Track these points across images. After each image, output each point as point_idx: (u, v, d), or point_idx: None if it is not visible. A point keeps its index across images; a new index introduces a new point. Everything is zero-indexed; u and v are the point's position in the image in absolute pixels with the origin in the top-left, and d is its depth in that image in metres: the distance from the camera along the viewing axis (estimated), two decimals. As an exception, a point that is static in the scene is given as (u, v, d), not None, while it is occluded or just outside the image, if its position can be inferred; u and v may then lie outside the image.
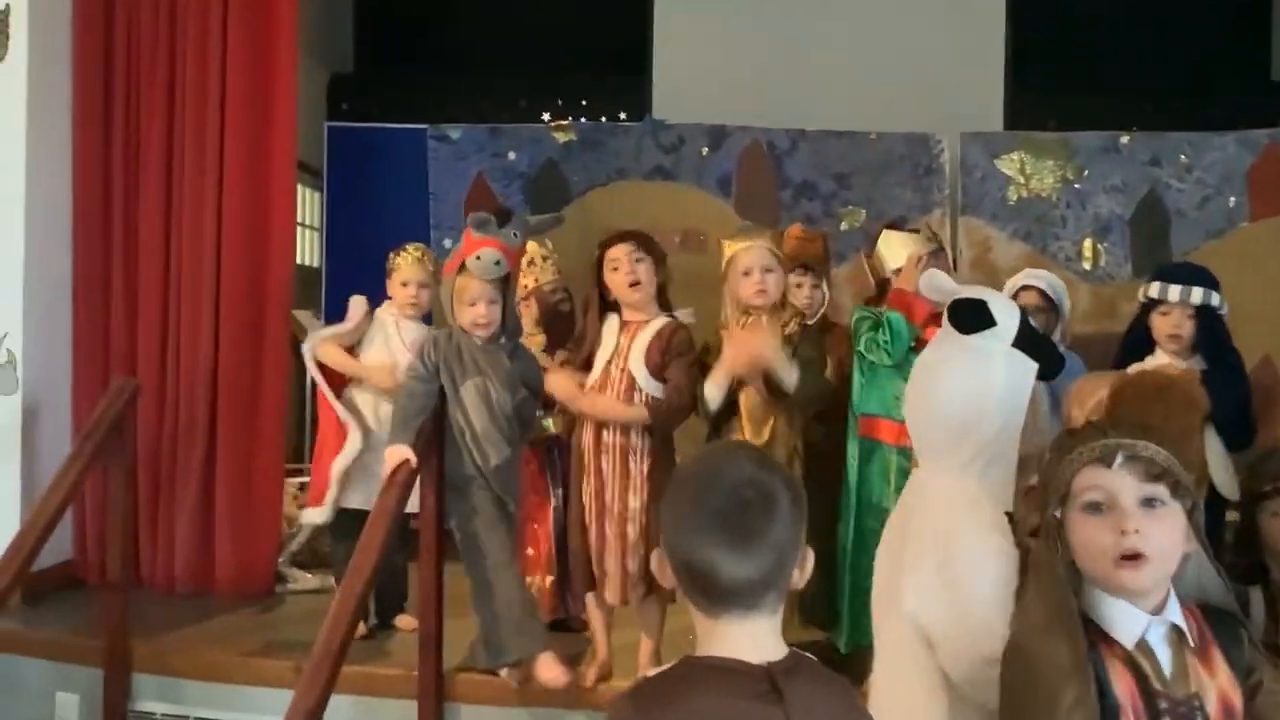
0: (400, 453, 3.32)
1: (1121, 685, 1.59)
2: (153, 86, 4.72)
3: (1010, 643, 1.72)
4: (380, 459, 3.49)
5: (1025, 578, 1.78)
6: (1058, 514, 1.67)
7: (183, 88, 4.69)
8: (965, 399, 2.03)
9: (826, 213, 5.91)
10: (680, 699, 1.45)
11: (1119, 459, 1.60)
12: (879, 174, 5.88)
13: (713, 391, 3.40)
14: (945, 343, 2.12)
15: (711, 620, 1.48)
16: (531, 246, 4.16)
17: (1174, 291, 3.47)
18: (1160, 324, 3.50)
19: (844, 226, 5.88)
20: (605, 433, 3.49)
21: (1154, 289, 3.51)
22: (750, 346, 3.36)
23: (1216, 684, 1.62)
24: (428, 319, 4.27)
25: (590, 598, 3.57)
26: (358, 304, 4.23)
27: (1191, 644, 1.62)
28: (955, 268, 5.73)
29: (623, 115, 7.09)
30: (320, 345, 4.13)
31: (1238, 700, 1.62)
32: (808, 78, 6.75)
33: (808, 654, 1.54)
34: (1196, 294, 3.48)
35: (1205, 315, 3.48)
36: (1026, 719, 1.63)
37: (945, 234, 5.79)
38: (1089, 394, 2.75)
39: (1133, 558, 1.59)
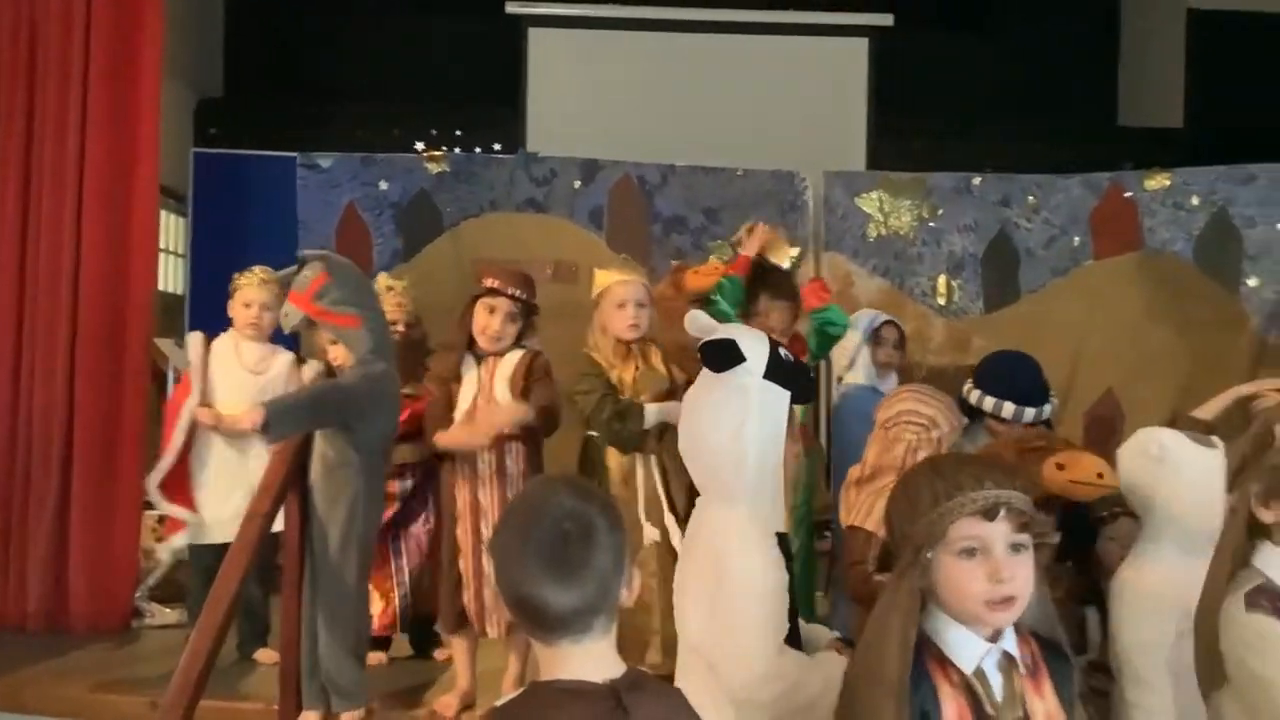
0: (255, 415, 3.22)
1: (952, 707, 1.67)
2: (11, 107, 4.60)
3: (857, 653, 1.81)
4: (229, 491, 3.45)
5: (874, 605, 1.84)
6: (929, 555, 1.71)
7: (42, 109, 4.59)
8: (725, 433, 2.13)
9: (696, 246, 6.02)
10: None
11: (1000, 513, 1.68)
12: (746, 209, 5.99)
13: (653, 416, 3.47)
14: (705, 381, 2.22)
15: (550, 647, 1.54)
16: (380, 280, 4.20)
17: (1028, 413, 3.51)
18: (999, 431, 3.52)
19: (713, 260, 6.01)
20: (480, 465, 3.52)
21: (1007, 409, 3.50)
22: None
23: (1045, 708, 1.72)
24: (290, 344, 4.23)
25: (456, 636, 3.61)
26: (195, 341, 4.20)
27: (1023, 671, 1.72)
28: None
29: (496, 147, 7.15)
30: (198, 416, 4.11)
31: (1056, 709, 1.72)
32: (678, 115, 6.93)
33: (644, 669, 1.62)
34: (1046, 410, 3.57)
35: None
36: None
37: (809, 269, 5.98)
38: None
39: (1005, 601, 1.68)
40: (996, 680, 1.70)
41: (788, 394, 2.21)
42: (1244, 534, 1.73)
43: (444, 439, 3.52)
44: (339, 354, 3.56)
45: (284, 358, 4.27)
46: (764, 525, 2.13)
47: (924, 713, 1.66)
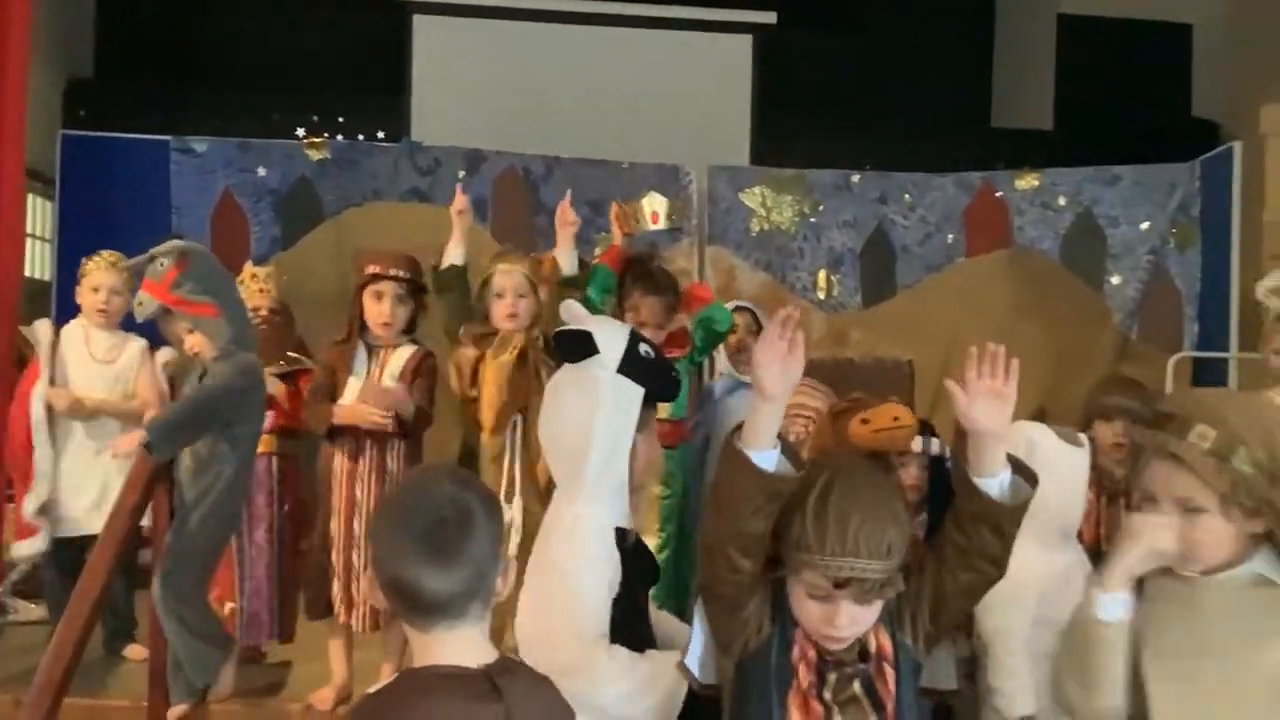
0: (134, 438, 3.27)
1: (799, 655, 1.81)
2: None
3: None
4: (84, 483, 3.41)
5: None
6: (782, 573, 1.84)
7: (-102, 87, 4.38)
8: (575, 424, 2.15)
9: (580, 238, 6.00)
10: (408, 708, 1.51)
11: (850, 586, 1.76)
12: (635, 202, 6.05)
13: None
14: (563, 371, 2.25)
15: (424, 634, 1.56)
16: (246, 269, 4.15)
17: (917, 442, 3.57)
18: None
19: (598, 252, 6.01)
20: (361, 461, 3.50)
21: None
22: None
23: (875, 637, 1.85)
24: (148, 331, 4.14)
25: (329, 624, 3.57)
26: (43, 328, 4.09)
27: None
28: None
29: (380, 135, 7.05)
30: (52, 399, 4.01)
31: (888, 643, 1.84)
32: (564, 106, 6.92)
33: (516, 658, 1.64)
34: (934, 444, 3.62)
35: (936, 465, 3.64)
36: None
37: (693, 264, 6.05)
38: None
39: (837, 639, 1.81)
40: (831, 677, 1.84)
41: (641, 389, 2.22)
42: None
43: (340, 413, 3.49)
44: (196, 343, 3.50)
45: (135, 345, 4.20)
46: (601, 519, 2.14)
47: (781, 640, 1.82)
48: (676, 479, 3.84)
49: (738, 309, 4.41)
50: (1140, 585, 1.79)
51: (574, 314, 2.32)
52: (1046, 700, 2.03)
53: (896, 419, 2.94)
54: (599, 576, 2.11)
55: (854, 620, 1.78)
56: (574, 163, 6.09)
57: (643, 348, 2.28)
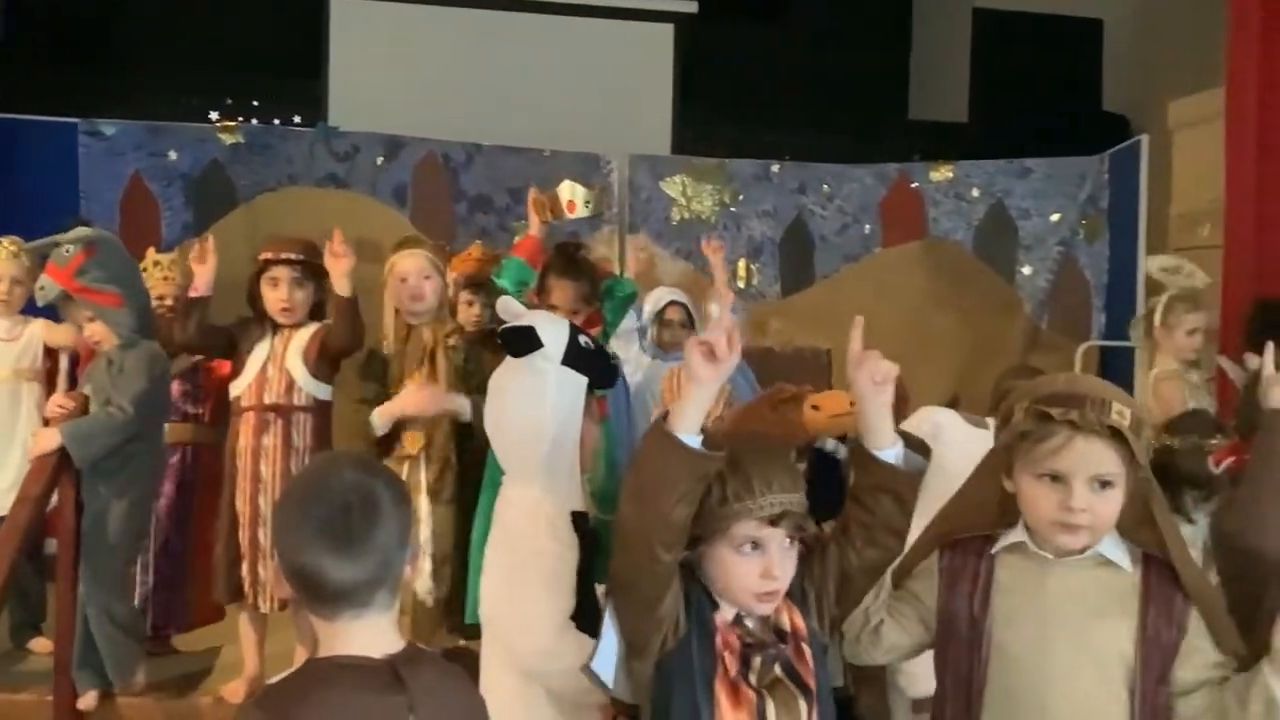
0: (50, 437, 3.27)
1: (722, 643, 1.82)
2: None
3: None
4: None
5: None
6: (703, 547, 1.84)
7: None
8: (523, 417, 2.20)
9: (501, 227, 6.01)
10: (309, 699, 1.49)
11: (784, 521, 1.81)
12: (552, 190, 6.03)
13: (379, 422, 3.41)
14: (507, 365, 2.28)
15: (329, 622, 1.55)
16: (149, 256, 4.10)
17: None
18: None
19: (518, 240, 5.99)
20: (266, 437, 3.47)
21: None
22: (425, 403, 3.40)
23: (789, 617, 1.88)
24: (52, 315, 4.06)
25: (241, 615, 3.52)
26: None
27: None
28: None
29: (296, 119, 6.94)
30: None
31: (801, 623, 1.88)
32: (485, 93, 6.88)
33: (423, 646, 1.63)
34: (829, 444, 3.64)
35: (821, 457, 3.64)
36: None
37: (614, 251, 6.05)
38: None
39: (773, 594, 1.83)
40: (756, 621, 1.86)
41: (585, 379, 2.26)
42: (994, 496, 1.86)
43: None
44: (97, 331, 3.45)
45: (36, 324, 4.13)
46: (558, 505, 2.18)
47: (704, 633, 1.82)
48: (599, 460, 3.83)
49: (672, 304, 4.44)
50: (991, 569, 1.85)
51: (511, 310, 2.35)
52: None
53: (853, 404, 2.97)
54: (567, 560, 2.14)
55: (785, 569, 1.82)
56: (494, 150, 6.06)
57: (582, 339, 2.33)
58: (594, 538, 2.26)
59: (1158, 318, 4.08)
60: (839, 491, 3.29)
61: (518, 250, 3.61)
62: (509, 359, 2.30)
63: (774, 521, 1.80)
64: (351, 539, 1.50)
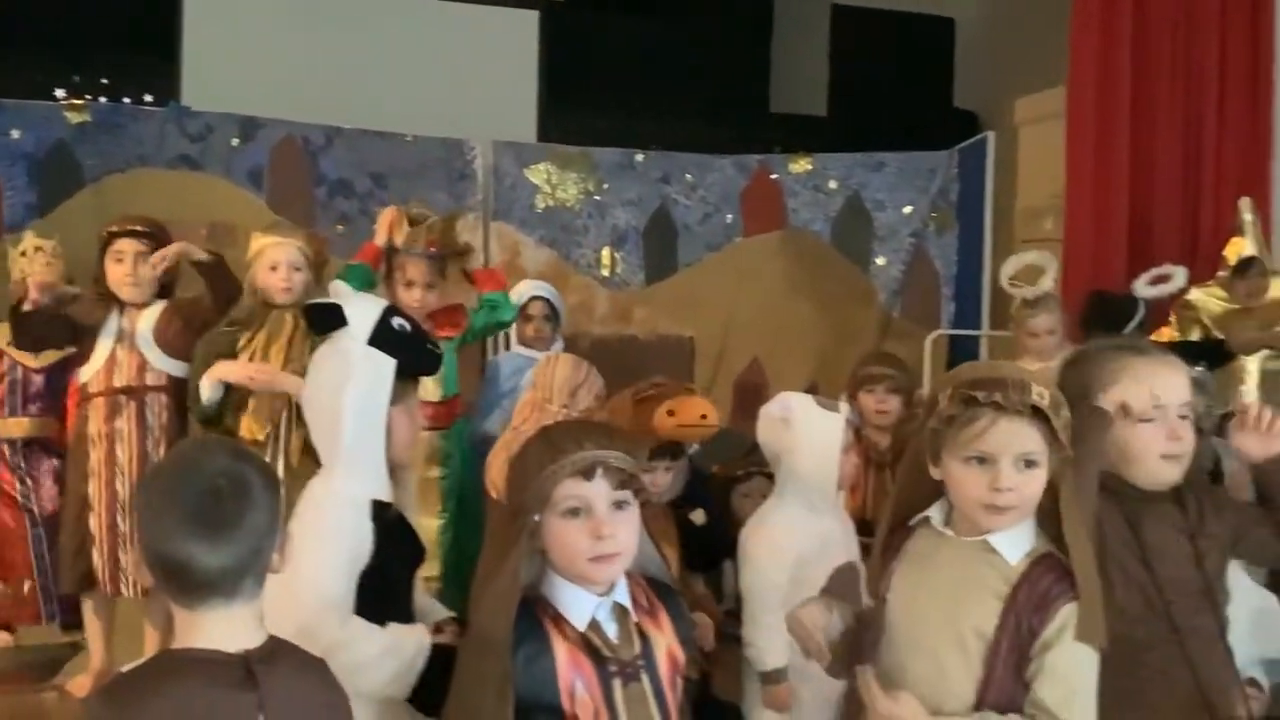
0: None
1: (567, 658, 1.77)
2: None
3: (470, 615, 1.90)
4: None
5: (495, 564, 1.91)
6: (537, 518, 1.79)
7: None
8: (328, 397, 2.17)
9: (362, 211, 5.91)
10: (155, 692, 1.46)
11: (598, 472, 1.77)
12: (414, 175, 5.98)
13: (206, 385, 3.35)
14: (321, 347, 2.27)
15: (190, 612, 1.51)
16: (27, 240, 3.94)
17: None
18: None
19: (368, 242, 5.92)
20: (119, 421, 3.38)
21: None
22: (256, 375, 3.38)
23: (665, 642, 1.86)
24: None
25: (88, 605, 3.42)
26: None
27: (635, 617, 1.84)
28: (486, 270, 6.00)
29: (147, 98, 6.71)
30: None
31: (680, 655, 1.88)
32: (346, 75, 6.75)
33: (288, 640, 1.60)
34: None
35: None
36: (464, 686, 1.79)
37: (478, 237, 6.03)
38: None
39: (608, 556, 1.78)
40: (611, 628, 1.81)
41: (393, 362, 2.23)
42: (930, 486, 1.88)
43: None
44: None
45: None
46: (354, 491, 2.14)
47: (538, 667, 1.75)
48: (454, 458, 3.83)
49: (535, 298, 4.44)
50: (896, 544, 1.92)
51: (339, 292, 2.33)
52: (799, 655, 2.13)
53: (704, 417, 3.02)
54: (340, 545, 2.10)
55: (615, 529, 1.78)
56: (355, 134, 5.95)
57: (396, 321, 2.29)
58: (398, 531, 2.24)
59: (1013, 317, 4.32)
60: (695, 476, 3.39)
61: (360, 256, 3.62)
62: (326, 339, 2.28)
63: (589, 475, 1.77)
64: (221, 524, 1.47)
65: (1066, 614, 1.77)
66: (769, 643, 2.73)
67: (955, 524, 1.87)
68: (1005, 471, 1.77)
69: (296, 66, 6.65)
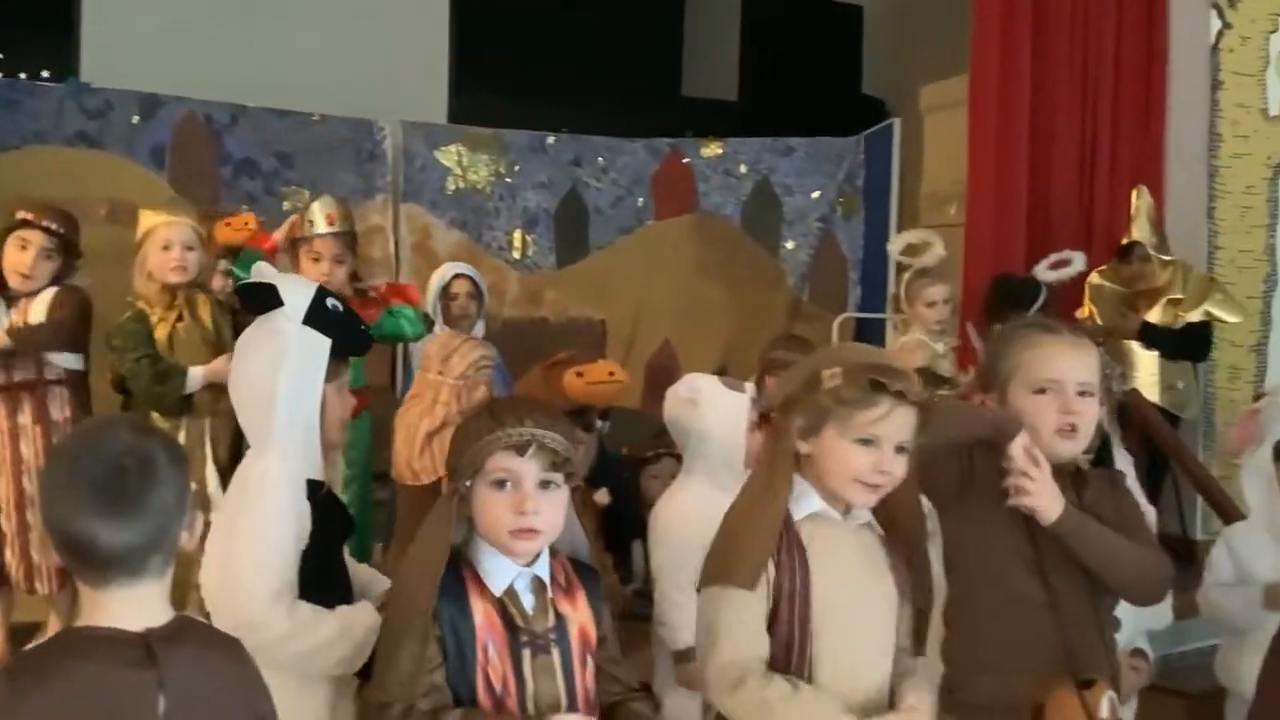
0: None
1: (484, 618, 1.83)
2: None
3: (394, 580, 1.94)
4: None
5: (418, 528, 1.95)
6: (468, 484, 1.84)
7: None
8: (262, 376, 2.17)
9: (268, 191, 5.84)
10: (54, 671, 1.44)
11: (531, 449, 1.82)
12: (322, 156, 5.91)
13: (197, 376, 3.37)
14: (253, 325, 2.27)
15: (96, 590, 1.49)
16: None
17: None
18: None
19: (286, 206, 5.85)
20: (20, 416, 3.32)
21: None
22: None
23: (578, 619, 1.90)
24: None
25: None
26: None
27: (550, 594, 1.88)
28: (396, 252, 5.96)
29: (44, 74, 6.51)
30: None
31: (594, 633, 1.92)
32: (252, 52, 6.61)
33: (199, 619, 1.60)
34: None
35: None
36: (385, 645, 1.85)
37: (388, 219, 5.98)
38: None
39: (528, 531, 1.83)
40: (528, 599, 1.86)
41: (328, 341, 2.23)
42: (791, 464, 1.91)
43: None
44: None
45: None
46: (290, 472, 2.14)
47: (455, 625, 1.81)
48: (356, 450, 3.81)
49: (458, 276, 4.41)
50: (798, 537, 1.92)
51: (262, 272, 2.31)
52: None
53: (611, 374, 3.08)
54: (284, 530, 2.10)
55: (539, 506, 1.82)
56: (261, 112, 5.86)
57: (330, 301, 2.29)
58: (330, 508, 2.24)
59: (903, 292, 4.38)
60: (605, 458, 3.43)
61: (255, 243, 3.59)
62: (254, 320, 2.27)
63: (522, 450, 1.82)
64: (126, 501, 1.45)
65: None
66: (680, 621, 2.76)
67: (827, 504, 1.93)
68: (888, 455, 1.85)
69: (200, 42, 6.49)
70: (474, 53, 7.36)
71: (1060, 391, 2.11)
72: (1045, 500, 2.04)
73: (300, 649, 2.05)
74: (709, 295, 6.22)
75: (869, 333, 6.16)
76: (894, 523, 1.96)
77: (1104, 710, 2.01)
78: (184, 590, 3.06)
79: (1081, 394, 2.13)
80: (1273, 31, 5.29)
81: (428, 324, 3.99)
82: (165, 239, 3.44)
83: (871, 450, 1.84)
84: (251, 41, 6.64)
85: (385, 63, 6.85)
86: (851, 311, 6.30)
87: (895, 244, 4.65)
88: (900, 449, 1.86)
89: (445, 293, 4.34)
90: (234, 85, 5.99)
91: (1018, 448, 2.05)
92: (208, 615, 2.13)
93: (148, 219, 3.51)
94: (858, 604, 1.90)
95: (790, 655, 1.87)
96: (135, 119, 5.59)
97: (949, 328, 4.35)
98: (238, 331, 3.42)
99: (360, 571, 2.39)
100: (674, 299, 6.20)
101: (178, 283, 3.43)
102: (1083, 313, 4.73)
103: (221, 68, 6.31)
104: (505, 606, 1.84)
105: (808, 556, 1.88)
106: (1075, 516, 2.07)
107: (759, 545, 1.87)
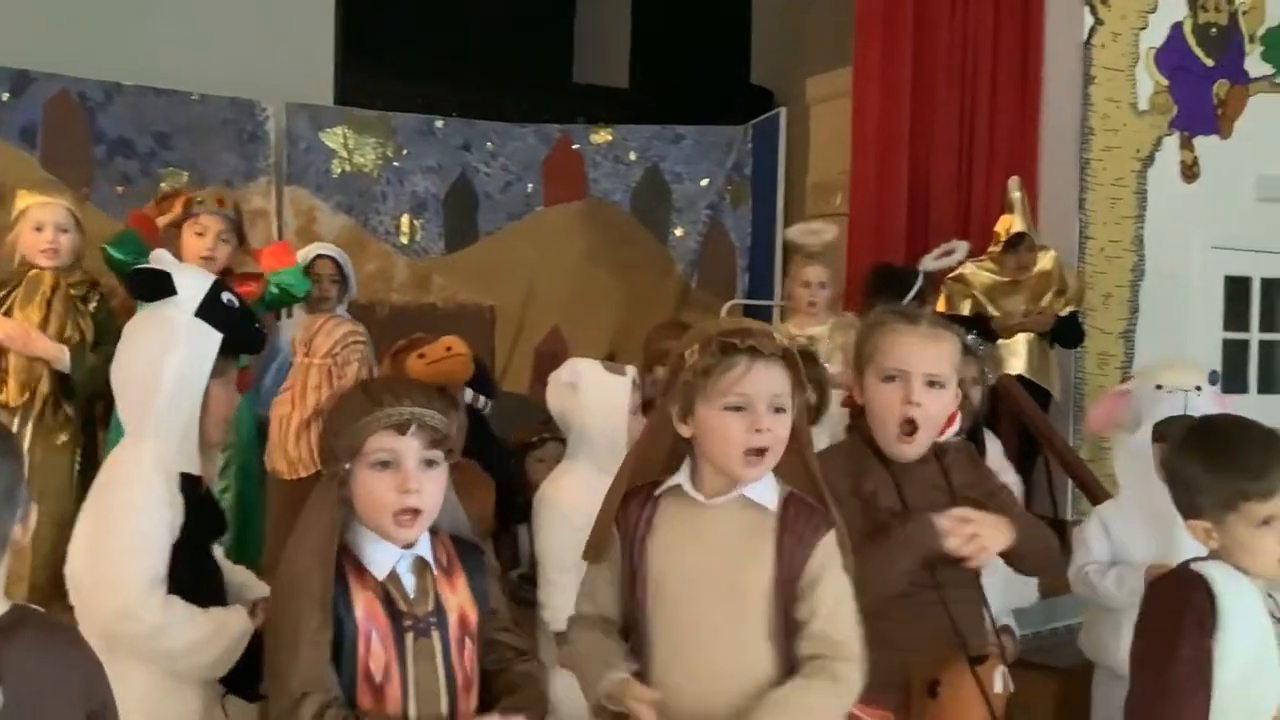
0: None
1: (365, 608, 1.80)
2: None
3: (281, 568, 1.89)
4: None
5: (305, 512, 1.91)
6: (348, 466, 1.81)
7: None
8: (146, 364, 2.14)
9: (145, 173, 5.67)
10: None
11: (412, 428, 1.80)
12: (202, 136, 5.76)
13: None
14: (139, 314, 2.23)
15: None
16: None
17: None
18: None
19: (164, 188, 5.68)
20: None
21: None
22: (16, 334, 3.29)
23: (458, 601, 1.89)
24: None
25: None
26: None
27: (436, 572, 1.88)
28: (280, 236, 5.84)
29: (-94, 48, 6.23)
30: None
31: (474, 615, 1.91)
32: (127, 27, 6.40)
33: (36, 608, 1.56)
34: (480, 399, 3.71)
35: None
36: (282, 638, 1.79)
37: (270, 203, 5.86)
38: None
39: (411, 512, 1.81)
40: (409, 581, 1.85)
41: (219, 336, 2.19)
42: (668, 446, 1.91)
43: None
44: None
45: None
46: (165, 463, 2.10)
47: (337, 615, 1.78)
48: (235, 430, 3.73)
49: (320, 257, 4.34)
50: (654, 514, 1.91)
51: (160, 259, 2.27)
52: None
53: (449, 349, 3.03)
54: (158, 519, 2.06)
55: (422, 484, 1.80)
56: (137, 90, 5.68)
57: (226, 296, 2.27)
58: (205, 505, 2.21)
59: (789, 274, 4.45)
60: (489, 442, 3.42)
61: (132, 222, 3.51)
62: (143, 306, 2.22)
63: (403, 429, 1.80)
64: None
65: (826, 547, 1.86)
66: (563, 603, 2.75)
67: (703, 486, 1.90)
68: (763, 414, 1.83)
69: (73, 17, 6.25)
70: (361, 33, 7.24)
71: (906, 381, 2.13)
72: (998, 539, 2.09)
73: (172, 645, 2.01)
74: (598, 282, 6.24)
75: (756, 319, 6.22)
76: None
77: (996, 684, 2.09)
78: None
79: (931, 384, 2.14)
80: (1143, 28, 5.49)
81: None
82: (38, 220, 3.35)
83: (744, 414, 1.83)
84: (128, 17, 6.42)
85: (269, 41, 6.69)
86: (739, 298, 6.37)
87: (792, 231, 4.71)
88: (778, 408, 1.84)
89: (307, 274, 4.19)
90: (109, 62, 5.79)
91: (954, 541, 2.06)
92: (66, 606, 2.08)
93: (24, 199, 3.43)
94: (699, 588, 1.84)
95: (631, 634, 1.90)
96: (4, 96, 5.39)
97: (821, 311, 4.36)
98: (99, 328, 3.37)
99: (235, 573, 2.35)
100: (563, 285, 6.20)
101: (47, 265, 3.33)
102: (940, 303, 4.80)
103: (96, 44, 6.10)
104: (388, 591, 1.82)
105: (650, 536, 1.88)
106: (1015, 525, 2.13)
107: (601, 520, 1.93)
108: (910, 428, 2.12)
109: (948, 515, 2.06)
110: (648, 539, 1.88)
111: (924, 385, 2.14)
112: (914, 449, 2.15)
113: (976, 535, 2.05)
